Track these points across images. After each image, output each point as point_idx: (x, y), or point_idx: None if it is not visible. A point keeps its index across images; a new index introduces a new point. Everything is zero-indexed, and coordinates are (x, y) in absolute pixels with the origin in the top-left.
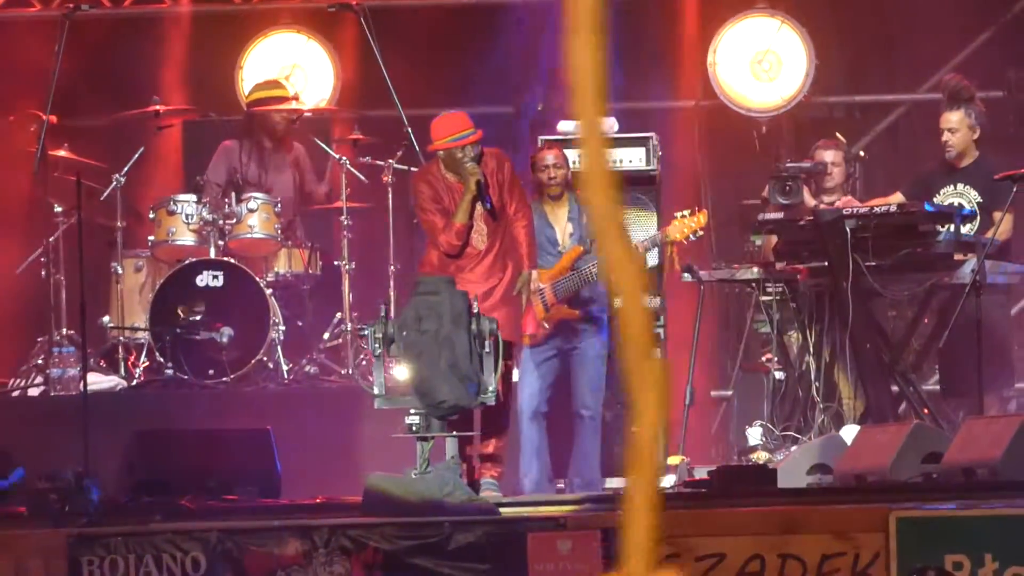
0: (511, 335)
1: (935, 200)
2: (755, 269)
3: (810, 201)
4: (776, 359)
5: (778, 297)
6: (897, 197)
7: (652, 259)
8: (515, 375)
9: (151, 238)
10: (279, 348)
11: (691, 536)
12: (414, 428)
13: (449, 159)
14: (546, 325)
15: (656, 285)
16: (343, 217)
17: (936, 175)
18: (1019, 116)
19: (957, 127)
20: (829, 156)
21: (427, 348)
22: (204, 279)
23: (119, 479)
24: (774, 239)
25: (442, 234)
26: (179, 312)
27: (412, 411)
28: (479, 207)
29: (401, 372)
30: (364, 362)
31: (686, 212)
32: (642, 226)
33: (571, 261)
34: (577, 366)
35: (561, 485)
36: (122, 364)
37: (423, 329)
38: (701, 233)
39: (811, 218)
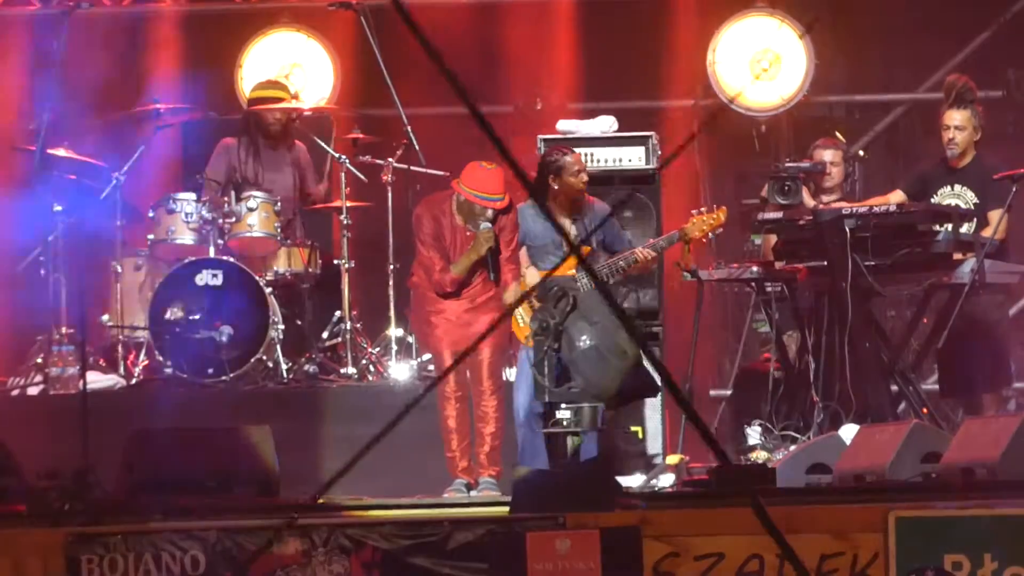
0: (505, 339)
1: (932, 201)
2: (754, 268)
3: (809, 201)
4: (775, 358)
5: (777, 297)
6: (897, 195)
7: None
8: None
9: (150, 237)
10: (278, 347)
11: (690, 535)
12: (565, 423)
13: (467, 208)
14: None
15: (654, 283)
16: (343, 216)
17: (934, 175)
18: (1018, 116)
19: (964, 125)
20: (828, 156)
21: (601, 339)
22: (203, 278)
23: (118, 478)
24: (773, 238)
25: (436, 274)
26: (178, 311)
27: (564, 406)
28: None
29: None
30: (364, 361)
31: (703, 209)
32: (641, 225)
33: (576, 261)
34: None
35: None
36: (121, 363)
37: (593, 322)
38: (720, 231)
39: (810, 218)
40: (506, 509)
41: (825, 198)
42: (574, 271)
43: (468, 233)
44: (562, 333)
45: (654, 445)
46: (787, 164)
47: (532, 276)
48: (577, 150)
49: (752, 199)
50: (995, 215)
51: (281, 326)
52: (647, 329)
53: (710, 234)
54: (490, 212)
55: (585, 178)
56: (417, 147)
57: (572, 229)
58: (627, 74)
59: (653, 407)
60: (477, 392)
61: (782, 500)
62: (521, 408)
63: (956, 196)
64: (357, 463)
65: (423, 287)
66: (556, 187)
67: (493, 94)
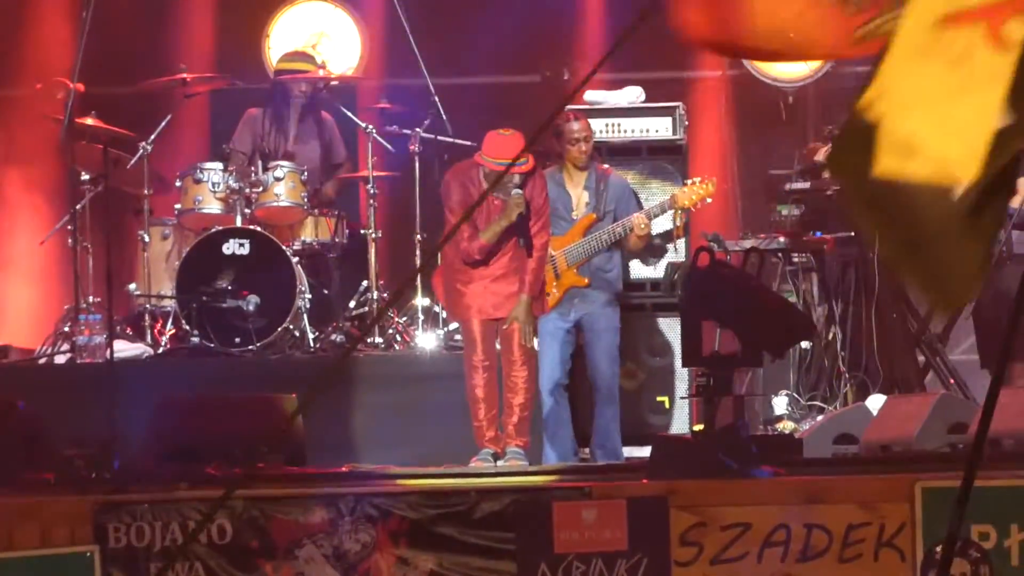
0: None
1: None
2: (781, 239)
3: None
4: None
5: (804, 267)
6: None
7: (663, 225)
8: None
9: (177, 206)
10: (305, 316)
11: (716, 505)
12: (701, 388)
13: (494, 177)
14: (555, 291)
15: (663, 251)
16: (369, 186)
17: None
18: None
19: None
20: None
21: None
22: (230, 247)
23: (145, 446)
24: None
25: (464, 243)
26: (206, 280)
27: (700, 373)
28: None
29: None
30: (391, 331)
31: (696, 179)
32: (667, 196)
33: (584, 229)
34: (591, 338)
35: (585, 455)
36: (148, 332)
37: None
38: (710, 200)
39: (838, 188)
40: (533, 479)
41: None
42: (581, 238)
43: (497, 201)
44: None
45: (680, 415)
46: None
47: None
48: (604, 120)
49: (779, 169)
50: None
51: (308, 295)
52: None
53: (699, 203)
54: (517, 178)
55: (584, 148)
56: (444, 116)
57: (584, 196)
58: (654, 44)
59: (680, 377)
60: (507, 362)
61: (809, 470)
62: (546, 379)
63: None
64: (382, 431)
65: (451, 255)
66: (560, 152)
67: (521, 64)
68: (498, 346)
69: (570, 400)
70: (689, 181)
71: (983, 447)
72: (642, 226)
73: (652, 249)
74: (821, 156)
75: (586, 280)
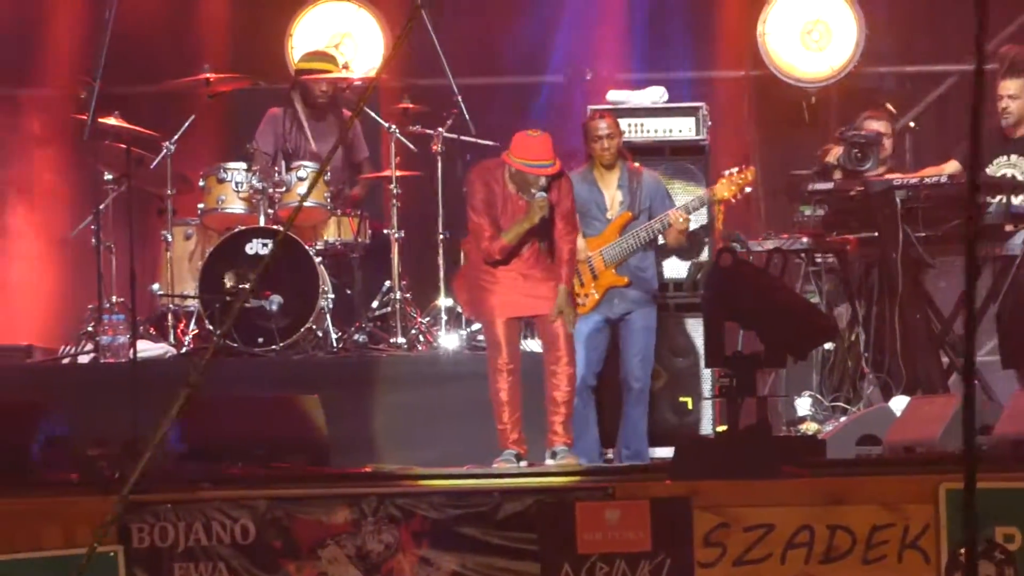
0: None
1: (988, 169)
2: (804, 240)
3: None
4: None
5: (827, 268)
6: (952, 165)
7: (699, 220)
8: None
9: (201, 206)
10: (328, 316)
11: (740, 506)
12: (724, 389)
13: (520, 178)
14: (595, 293)
15: (702, 246)
16: (392, 185)
17: (988, 144)
18: None
19: (1017, 94)
20: (880, 127)
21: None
22: (253, 247)
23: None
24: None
25: (485, 242)
26: (228, 280)
27: (723, 374)
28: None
29: None
30: (414, 331)
31: (733, 169)
32: (691, 195)
33: (620, 228)
34: (627, 336)
35: (610, 455)
36: (171, 332)
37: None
38: (749, 189)
39: (861, 188)
40: (556, 479)
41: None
42: (617, 237)
43: (521, 202)
44: None
45: (704, 416)
46: (850, 132)
47: (579, 244)
48: (627, 120)
49: (802, 170)
50: None
51: (331, 295)
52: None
53: (739, 193)
54: (543, 180)
55: (607, 144)
56: (467, 116)
57: (618, 195)
58: (677, 45)
59: (704, 378)
60: (552, 359)
61: (832, 471)
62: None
63: (1011, 166)
64: (404, 432)
65: (475, 256)
66: (588, 152)
67: (544, 64)
68: (525, 347)
69: (596, 400)
70: (726, 172)
71: (974, 451)
72: (681, 221)
73: (692, 242)
74: (831, 158)
75: (626, 279)
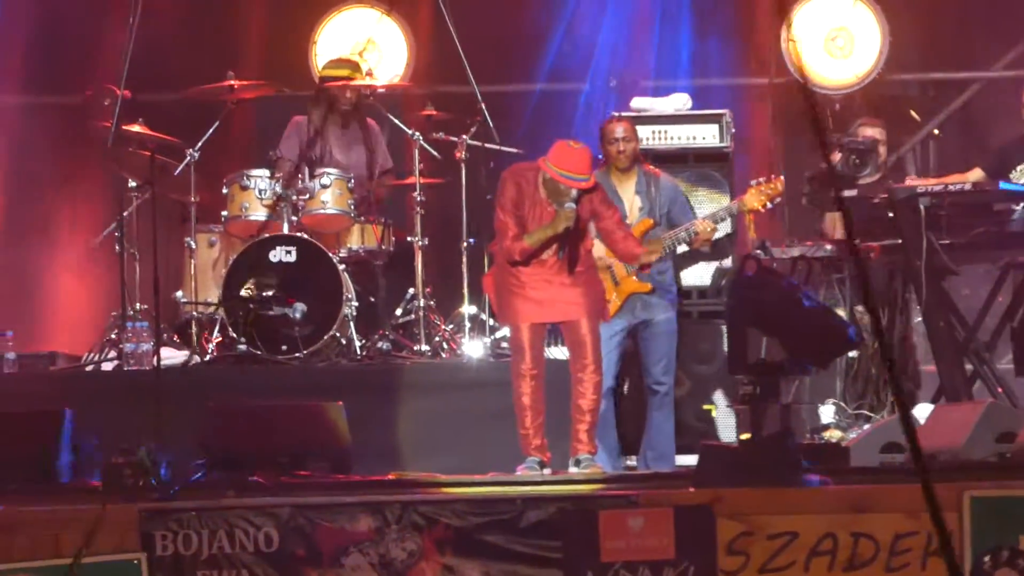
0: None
1: (1011, 176)
2: (828, 247)
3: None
4: None
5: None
6: (975, 173)
7: (724, 229)
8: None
9: (224, 213)
10: (352, 324)
11: (764, 514)
12: (747, 397)
13: (552, 186)
14: (616, 300)
15: (727, 254)
16: (416, 193)
17: (1013, 151)
18: None
19: None
20: (876, 133)
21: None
22: (277, 254)
23: (192, 454)
24: (838, 217)
25: (507, 240)
26: (252, 287)
27: (746, 381)
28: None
29: None
30: (438, 338)
31: (761, 179)
32: (715, 203)
33: (641, 234)
34: (649, 341)
35: (632, 462)
36: (195, 339)
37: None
38: (779, 200)
39: (885, 195)
40: (579, 487)
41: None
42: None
43: (550, 208)
44: None
45: (726, 423)
46: (848, 139)
47: (598, 250)
48: (651, 127)
49: None
50: None
51: (355, 303)
52: (715, 307)
53: (768, 203)
54: (574, 192)
55: (622, 147)
56: (491, 124)
57: (636, 201)
58: (701, 52)
59: (727, 385)
60: (580, 366)
61: (856, 479)
62: None
63: None
64: (428, 440)
65: (501, 256)
66: (605, 156)
67: (569, 71)
68: (550, 354)
69: (618, 407)
70: (754, 182)
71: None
72: (708, 230)
73: (714, 249)
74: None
75: (648, 285)
